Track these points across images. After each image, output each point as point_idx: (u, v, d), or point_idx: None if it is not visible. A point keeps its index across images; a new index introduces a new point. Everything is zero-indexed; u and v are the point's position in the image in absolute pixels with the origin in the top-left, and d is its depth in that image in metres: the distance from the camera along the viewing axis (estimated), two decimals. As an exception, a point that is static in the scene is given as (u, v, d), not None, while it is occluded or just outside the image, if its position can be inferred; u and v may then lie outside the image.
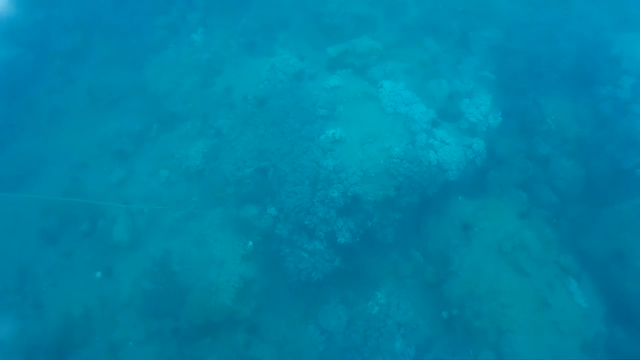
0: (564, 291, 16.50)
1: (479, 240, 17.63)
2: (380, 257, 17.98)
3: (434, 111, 19.19)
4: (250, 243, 17.29)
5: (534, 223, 18.08)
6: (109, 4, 25.57)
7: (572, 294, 16.48)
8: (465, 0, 24.16)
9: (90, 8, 25.14)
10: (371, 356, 16.60)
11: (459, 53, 22.12)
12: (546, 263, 17.05)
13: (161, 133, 21.21)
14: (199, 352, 16.82)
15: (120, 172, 20.39)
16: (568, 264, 17.11)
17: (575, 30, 21.72)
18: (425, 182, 17.49)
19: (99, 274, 18.24)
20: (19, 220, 20.43)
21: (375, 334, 16.62)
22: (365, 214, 17.06)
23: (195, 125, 20.50)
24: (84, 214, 19.73)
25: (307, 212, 16.96)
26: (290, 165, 17.63)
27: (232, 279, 16.73)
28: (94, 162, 21.32)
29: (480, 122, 19.18)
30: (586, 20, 22.31)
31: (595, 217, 17.86)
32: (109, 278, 18.39)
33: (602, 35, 21.20)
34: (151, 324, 17.24)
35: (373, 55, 20.90)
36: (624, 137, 18.54)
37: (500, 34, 22.52)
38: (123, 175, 20.30)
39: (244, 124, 19.43)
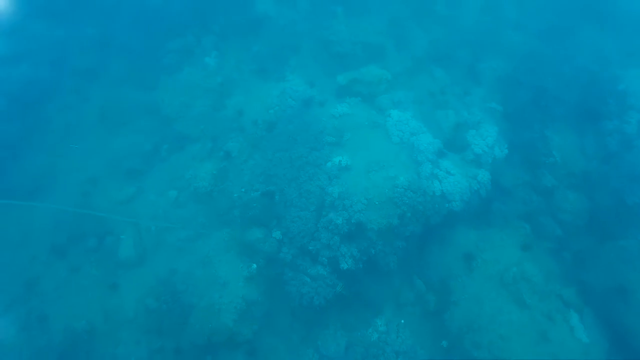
0: (564, 325, 16.47)
1: (481, 271, 17.74)
2: (382, 284, 18.09)
3: (440, 141, 19.45)
4: (254, 266, 17.51)
5: (537, 255, 18.19)
6: (126, 24, 26.21)
7: (573, 328, 16.43)
8: (475, 31, 24.66)
9: (108, 28, 25.76)
10: (369, 384, 16.68)
11: (467, 84, 22.48)
12: (548, 296, 17.09)
13: (171, 153, 21.61)
14: (200, 371, 17.00)
15: (130, 190, 20.74)
16: (570, 297, 17.13)
17: (584, 64, 22.05)
18: (429, 212, 17.67)
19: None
20: (30, 233, 20.79)
21: (373, 362, 16.71)
22: (368, 241, 17.25)
23: (205, 147, 20.91)
24: (92, 230, 20.08)
25: (312, 237, 17.19)
26: (297, 191, 17.92)
27: (235, 300, 16.92)
28: (104, 179, 21.71)
29: (486, 154, 19.39)
30: (594, 55, 22.65)
31: (599, 252, 17.91)
32: (114, 294, 18.64)
33: (609, 70, 21.50)
34: (154, 342, 17.39)
35: (382, 84, 21.31)
36: (629, 172, 18.68)
37: (509, 66, 22.90)
38: (132, 193, 20.65)
39: (253, 148, 19.81)
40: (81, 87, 24.98)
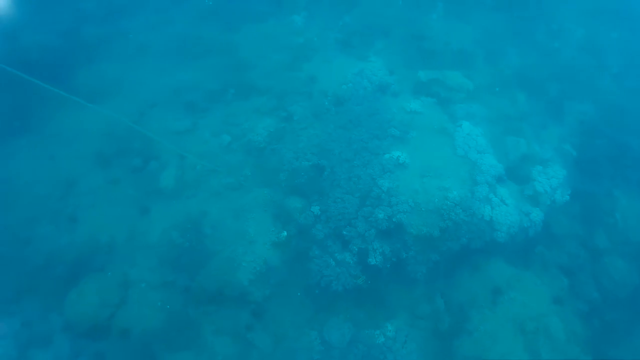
0: (572, 391, 15.85)
1: (504, 309, 17.11)
2: (403, 290, 17.66)
3: (503, 167, 18.67)
4: (285, 233, 17.33)
5: (566, 312, 17.42)
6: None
7: (580, 397, 15.79)
8: (570, 67, 23.51)
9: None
10: (361, 384, 16.47)
11: (547, 118, 21.48)
12: (564, 356, 16.37)
13: (235, 99, 21.43)
14: (202, 316, 16.99)
15: (186, 123, 20.75)
16: (587, 366, 16.43)
17: (676, 134, 20.74)
18: (472, 234, 17.10)
19: None
20: (81, 134, 21.17)
21: (372, 363, 16.44)
22: (403, 244, 16.84)
23: (270, 102, 20.62)
24: (140, 150, 20.26)
25: (349, 223, 16.86)
26: (347, 173, 17.55)
27: (257, 260, 16.81)
28: (164, 105, 21.84)
29: (547, 194, 18.51)
30: (689, 128, 21.26)
31: (631, 329, 17.11)
32: (143, 218, 18.82)
33: (700, 149, 20.17)
34: (167, 274, 17.50)
35: (462, 92, 20.56)
36: (690, 261, 17.66)
37: (596, 112, 21.79)
38: (187, 127, 20.65)
39: (315, 118, 19.45)
40: (168, 9, 25.05)
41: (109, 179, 19.90)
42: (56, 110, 21.81)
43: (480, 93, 21.17)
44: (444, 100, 20.40)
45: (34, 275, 17.79)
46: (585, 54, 24.41)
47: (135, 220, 18.80)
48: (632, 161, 19.90)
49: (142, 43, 24.32)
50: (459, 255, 17.50)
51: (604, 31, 25.51)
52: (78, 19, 23.99)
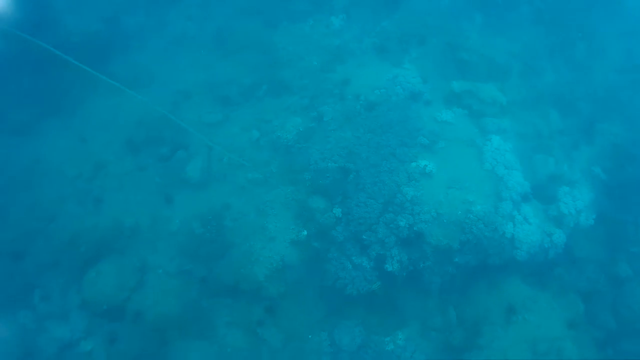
0: (582, 417, 15.65)
1: (518, 329, 17.02)
2: (417, 300, 17.65)
3: (530, 185, 18.43)
4: (305, 232, 17.42)
5: (580, 338, 17.24)
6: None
7: None
8: (606, 88, 23.10)
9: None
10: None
11: (579, 138, 21.12)
12: (576, 381, 16.23)
13: (267, 95, 21.59)
14: (215, 307, 17.32)
15: (217, 116, 20.98)
16: (598, 394, 16.21)
17: None
18: (492, 250, 16.99)
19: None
20: (113, 120, 21.57)
21: (380, 370, 16.47)
22: (422, 254, 16.81)
23: (301, 102, 20.64)
24: (169, 139, 20.55)
25: (369, 228, 16.89)
26: (373, 178, 17.54)
27: (274, 257, 16.98)
28: (197, 96, 22.11)
29: (571, 216, 18.27)
30: None
31: (646, 361, 16.78)
32: (167, 206, 19.12)
33: None
34: (185, 263, 17.84)
35: (494, 106, 20.26)
36: None
37: (629, 136, 21.32)
38: (219, 120, 20.88)
39: (346, 120, 19.39)
40: (208, 3, 25.34)
41: (136, 165, 20.28)
42: (90, 94, 22.26)
43: (512, 108, 20.87)
44: (476, 113, 20.14)
45: (56, 251, 18.25)
46: (622, 75, 23.86)
47: (159, 207, 19.14)
48: (664, 190, 19.49)
49: (179, 34, 24.65)
50: (477, 270, 17.42)
51: (643, 54, 25.00)
52: (119, 7, 24.41)
